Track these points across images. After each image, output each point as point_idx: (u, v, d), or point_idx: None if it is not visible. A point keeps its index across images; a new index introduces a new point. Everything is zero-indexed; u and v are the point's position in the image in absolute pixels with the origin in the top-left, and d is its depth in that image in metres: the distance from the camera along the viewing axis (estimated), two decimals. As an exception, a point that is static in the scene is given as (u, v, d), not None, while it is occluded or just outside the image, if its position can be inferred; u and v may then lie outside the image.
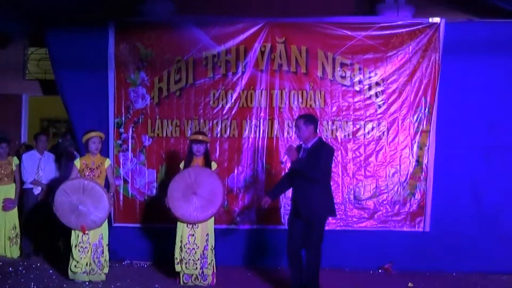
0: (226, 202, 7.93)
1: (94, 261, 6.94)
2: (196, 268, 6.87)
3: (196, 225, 6.88)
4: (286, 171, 7.54)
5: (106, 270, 7.05)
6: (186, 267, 6.87)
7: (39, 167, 8.38)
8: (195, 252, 6.86)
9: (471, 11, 8.30)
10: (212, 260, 6.95)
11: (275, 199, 7.01)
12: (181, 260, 6.89)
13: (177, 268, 6.92)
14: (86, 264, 6.91)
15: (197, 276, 6.91)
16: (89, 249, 6.92)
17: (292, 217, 6.47)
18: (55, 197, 6.90)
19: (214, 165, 7.09)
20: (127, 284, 7.04)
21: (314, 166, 6.14)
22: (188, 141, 7.32)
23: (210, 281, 6.96)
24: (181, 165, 7.10)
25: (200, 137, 7.01)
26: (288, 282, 6.65)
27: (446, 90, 7.85)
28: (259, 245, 8.01)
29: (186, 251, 6.86)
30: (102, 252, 7.00)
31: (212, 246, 6.97)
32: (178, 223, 6.94)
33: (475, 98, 7.85)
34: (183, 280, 6.94)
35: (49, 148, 8.93)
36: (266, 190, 6.92)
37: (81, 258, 6.87)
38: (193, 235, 6.90)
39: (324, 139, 7.25)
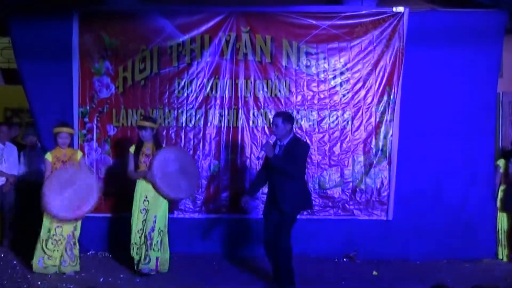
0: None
1: (67, 253, 6.91)
2: (141, 251, 6.83)
3: (147, 209, 6.88)
4: (259, 166, 7.58)
5: (78, 261, 7.03)
6: (136, 252, 6.88)
7: (2, 157, 8.30)
8: (141, 235, 6.85)
9: (435, 0, 8.31)
10: (157, 242, 6.84)
11: (253, 197, 7.00)
12: (135, 246, 6.89)
13: (132, 254, 6.92)
14: (61, 256, 6.90)
15: (140, 259, 6.84)
16: (62, 241, 6.89)
17: (268, 207, 6.51)
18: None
19: None
20: (92, 275, 7.02)
21: (291, 162, 6.21)
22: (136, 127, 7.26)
23: (152, 265, 6.84)
24: (131, 149, 7.08)
25: (146, 123, 7.00)
26: (260, 270, 6.87)
27: (409, 79, 7.90)
28: (224, 234, 8.03)
29: (138, 237, 6.87)
30: (74, 244, 6.98)
31: (159, 229, 6.87)
32: (133, 210, 6.94)
33: (438, 87, 7.90)
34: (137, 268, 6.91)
35: (14, 138, 8.86)
36: (246, 192, 6.87)
37: (54, 251, 6.86)
38: (145, 220, 6.88)
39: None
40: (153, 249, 6.82)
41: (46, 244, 6.87)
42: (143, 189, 6.94)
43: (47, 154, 7.12)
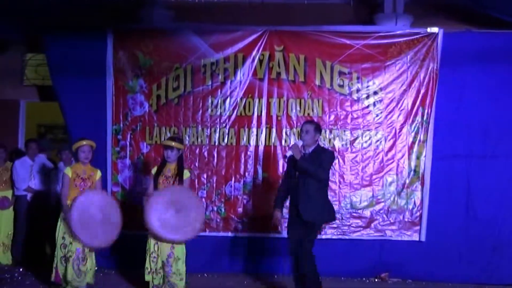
0: (223, 210, 7.96)
1: (73, 270, 6.50)
2: (161, 277, 6.57)
3: None
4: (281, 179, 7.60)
5: (84, 277, 6.66)
6: (153, 277, 6.59)
7: (31, 173, 8.38)
8: (157, 260, 6.54)
9: (469, 21, 8.31)
10: (178, 269, 6.53)
11: (281, 211, 6.81)
12: (150, 270, 6.60)
13: (147, 278, 6.62)
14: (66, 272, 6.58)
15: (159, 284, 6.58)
16: (72, 255, 6.52)
17: (292, 222, 6.46)
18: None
19: (186, 173, 6.72)
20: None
21: (318, 165, 6.19)
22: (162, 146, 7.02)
23: None
24: (153, 171, 6.77)
25: (173, 143, 6.65)
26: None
27: (443, 100, 7.88)
28: (256, 252, 8.01)
29: (152, 260, 6.57)
30: (83, 260, 6.53)
31: (177, 256, 6.53)
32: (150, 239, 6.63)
33: (472, 108, 7.87)
34: None
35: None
36: (272, 206, 6.80)
37: (67, 267, 6.54)
38: (156, 243, 6.55)
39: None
40: (172, 277, 6.51)
41: (61, 261, 6.59)
42: None
43: (67, 169, 6.75)
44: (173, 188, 6.61)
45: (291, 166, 6.41)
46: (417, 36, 7.91)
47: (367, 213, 7.94)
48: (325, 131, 7.90)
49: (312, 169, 6.18)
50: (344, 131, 8.01)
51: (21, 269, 7.92)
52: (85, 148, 6.67)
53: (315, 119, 7.91)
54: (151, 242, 6.58)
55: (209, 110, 8.07)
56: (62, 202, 6.58)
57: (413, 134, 7.93)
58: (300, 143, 6.32)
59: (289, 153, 6.36)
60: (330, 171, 6.60)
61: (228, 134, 8.05)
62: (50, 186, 8.54)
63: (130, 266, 7.63)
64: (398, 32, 7.97)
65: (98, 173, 6.80)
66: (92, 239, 6.41)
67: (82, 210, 6.37)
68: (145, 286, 6.71)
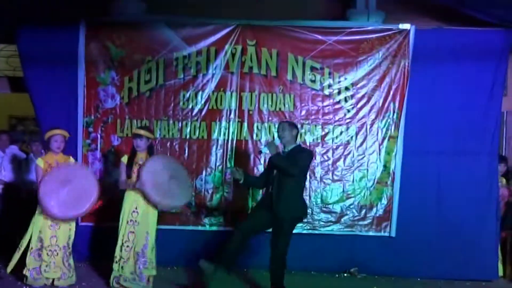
0: (193, 204, 7.95)
1: (64, 265, 6.72)
2: (127, 267, 6.60)
3: (136, 221, 6.64)
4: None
5: (74, 272, 6.88)
6: (122, 266, 6.60)
7: (1, 166, 8.32)
8: (130, 250, 6.59)
9: (441, 19, 8.35)
10: (151, 261, 6.64)
11: (245, 185, 6.99)
12: (120, 259, 6.63)
13: (115, 266, 6.64)
14: (58, 268, 6.69)
15: (123, 274, 6.61)
16: (59, 252, 6.68)
17: (259, 207, 6.61)
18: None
19: None
20: (93, 284, 7.01)
21: (292, 163, 6.25)
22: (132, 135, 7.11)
23: (145, 284, 6.63)
24: (124, 159, 6.84)
25: (142, 131, 6.76)
26: (258, 284, 6.80)
27: (414, 96, 7.91)
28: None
29: (125, 249, 6.61)
30: (70, 254, 6.79)
31: (152, 246, 6.65)
32: (120, 222, 6.69)
33: (443, 104, 7.90)
34: (113, 283, 6.70)
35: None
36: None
37: (50, 262, 6.63)
38: (133, 232, 6.64)
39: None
40: (147, 268, 6.64)
41: (39, 255, 6.66)
42: (132, 200, 6.71)
43: (38, 160, 6.84)
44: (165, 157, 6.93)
45: (269, 163, 6.52)
46: (389, 33, 7.92)
47: (337, 208, 7.96)
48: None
49: (283, 165, 6.24)
50: (316, 126, 8.02)
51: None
52: (57, 137, 6.77)
53: (287, 114, 7.97)
54: (126, 231, 6.62)
55: (181, 103, 8.03)
56: (39, 193, 6.53)
57: (384, 130, 7.96)
58: (278, 142, 6.39)
59: (264, 150, 6.41)
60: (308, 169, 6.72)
61: (199, 127, 8.04)
62: (23, 177, 8.47)
63: (101, 258, 7.65)
64: (370, 28, 7.97)
65: (71, 159, 6.95)
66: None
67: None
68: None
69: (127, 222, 6.66)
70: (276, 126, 7.70)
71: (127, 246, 6.63)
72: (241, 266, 7.66)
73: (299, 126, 7.86)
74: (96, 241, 8.03)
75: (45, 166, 6.73)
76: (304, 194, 6.85)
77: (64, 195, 6.51)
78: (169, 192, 6.69)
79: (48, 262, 6.65)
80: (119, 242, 6.68)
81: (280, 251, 6.31)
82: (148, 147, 6.82)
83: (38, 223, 6.68)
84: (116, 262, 6.65)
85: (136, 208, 6.69)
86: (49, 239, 6.65)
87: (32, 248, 6.68)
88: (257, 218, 6.52)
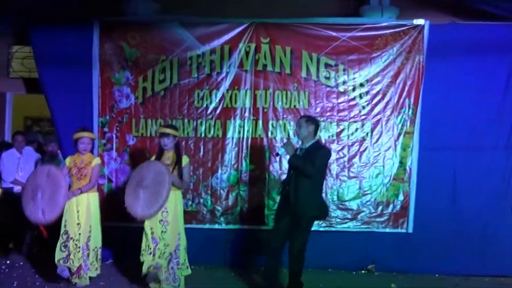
0: (210, 202, 7.95)
1: (84, 263, 6.73)
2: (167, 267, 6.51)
3: (167, 222, 6.51)
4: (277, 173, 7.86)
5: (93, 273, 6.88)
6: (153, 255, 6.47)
7: (18, 166, 8.35)
8: (161, 252, 6.46)
9: (455, 13, 8.31)
10: (184, 261, 6.59)
11: (289, 163, 6.56)
12: (148, 249, 6.50)
13: (146, 258, 6.49)
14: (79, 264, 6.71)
15: (167, 276, 6.51)
16: (79, 249, 6.70)
17: (280, 212, 6.52)
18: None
19: (185, 159, 6.70)
20: (111, 283, 7.05)
21: (309, 163, 6.21)
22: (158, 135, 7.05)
23: (181, 283, 6.58)
24: (152, 159, 6.79)
25: (168, 130, 6.68)
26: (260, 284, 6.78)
27: (429, 92, 7.87)
28: (242, 245, 8.01)
29: (152, 242, 6.48)
30: (88, 255, 6.77)
31: (184, 247, 6.59)
32: (146, 222, 6.54)
33: (458, 99, 7.85)
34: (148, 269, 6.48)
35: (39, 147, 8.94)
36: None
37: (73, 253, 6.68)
38: (164, 232, 6.49)
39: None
40: (181, 269, 6.57)
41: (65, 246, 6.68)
42: None
43: (67, 158, 7.02)
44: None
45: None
46: (403, 28, 7.89)
47: (353, 205, 7.94)
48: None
49: (300, 165, 6.23)
50: (331, 123, 8.00)
51: (8, 262, 7.89)
52: (84, 139, 6.92)
53: (301, 111, 7.93)
54: (158, 230, 6.49)
55: (195, 102, 8.05)
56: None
57: (399, 126, 7.93)
58: (295, 140, 6.36)
59: (281, 151, 6.42)
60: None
61: (214, 126, 8.04)
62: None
63: (122, 258, 7.84)
64: (384, 24, 7.95)
65: (95, 160, 7.01)
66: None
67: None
68: (138, 277, 6.71)
69: (159, 221, 6.50)
70: (291, 123, 7.80)
71: (153, 238, 6.48)
72: (257, 265, 7.67)
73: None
74: (116, 241, 8.00)
75: (70, 165, 6.91)
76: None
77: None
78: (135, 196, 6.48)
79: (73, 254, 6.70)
80: (146, 237, 6.52)
81: (298, 248, 6.29)
82: (175, 146, 6.76)
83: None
84: (150, 253, 6.48)
85: (165, 208, 6.51)
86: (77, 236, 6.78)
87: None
88: (281, 226, 6.41)
